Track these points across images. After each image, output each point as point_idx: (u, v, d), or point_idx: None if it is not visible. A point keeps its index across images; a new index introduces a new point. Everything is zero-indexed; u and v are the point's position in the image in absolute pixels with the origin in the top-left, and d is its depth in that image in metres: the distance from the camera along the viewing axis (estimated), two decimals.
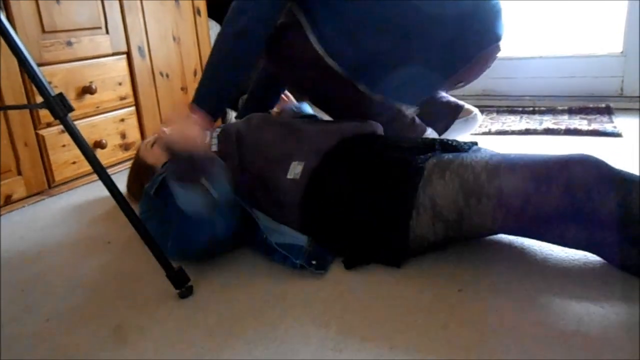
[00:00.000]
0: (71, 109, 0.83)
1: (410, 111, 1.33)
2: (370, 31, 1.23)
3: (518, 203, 0.84)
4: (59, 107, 0.81)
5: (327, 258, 1.00)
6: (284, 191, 1.06)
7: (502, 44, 1.35)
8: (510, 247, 1.00)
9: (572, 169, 0.82)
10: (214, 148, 1.20)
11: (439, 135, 1.55)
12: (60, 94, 0.82)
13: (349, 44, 1.23)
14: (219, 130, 1.25)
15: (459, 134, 1.57)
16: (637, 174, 0.83)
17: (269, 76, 1.60)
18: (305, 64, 1.28)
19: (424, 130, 1.46)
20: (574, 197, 0.81)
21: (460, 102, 1.59)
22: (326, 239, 1.04)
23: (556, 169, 0.83)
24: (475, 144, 1.13)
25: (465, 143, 1.11)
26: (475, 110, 1.58)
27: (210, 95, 1.22)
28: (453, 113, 1.57)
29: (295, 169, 1.06)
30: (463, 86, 1.45)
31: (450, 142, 1.10)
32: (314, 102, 1.45)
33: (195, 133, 1.14)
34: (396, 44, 1.23)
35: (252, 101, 1.63)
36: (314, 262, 0.98)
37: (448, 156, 0.93)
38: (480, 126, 1.93)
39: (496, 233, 0.94)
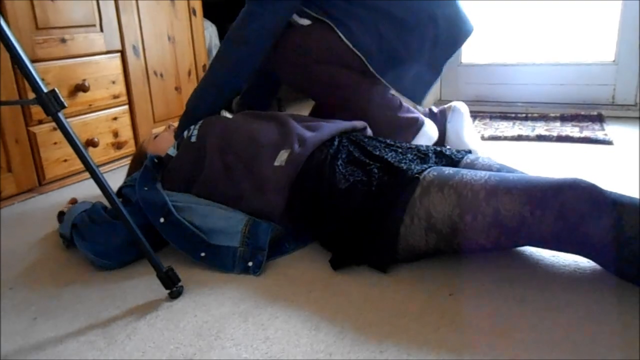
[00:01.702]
0: (63, 106, 0.82)
1: (421, 110, 1.46)
2: (388, 26, 1.32)
3: (513, 225, 0.85)
4: (52, 104, 0.81)
5: (263, 250, 1.00)
6: (269, 178, 1.07)
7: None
8: (501, 251, 1.00)
9: (565, 194, 0.83)
10: (193, 139, 1.21)
11: (441, 141, 1.57)
12: (53, 91, 0.81)
13: (372, 40, 1.32)
14: (200, 122, 1.26)
15: (458, 127, 1.58)
16: (628, 181, 0.84)
17: (263, 78, 1.61)
18: (328, 59, 1.35)
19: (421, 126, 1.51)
20: (568, 221, 0.82)
21: (437, 108, 1.63)
22: (312, 230, 1.05)
23: (550, 194, 0.84)
24: (469, 152, 1.14)
25: (458, 152, 1.12)
26: (452, 104, 1.61)
27: (204, 98, 1.35)
28: (441, 118, 1.58)
29: (282, 157, 1.07)
30: None
31: (444, 150, 1.12)
32: (317, 99, 1.51)
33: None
34: (407, 38, 1.34)
35: (247, 99, 1.65)
36: (250, 264, 0.99)
37: (449, 170, 0.94)
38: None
39: (488, 250, 0.95)
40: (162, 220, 1.04)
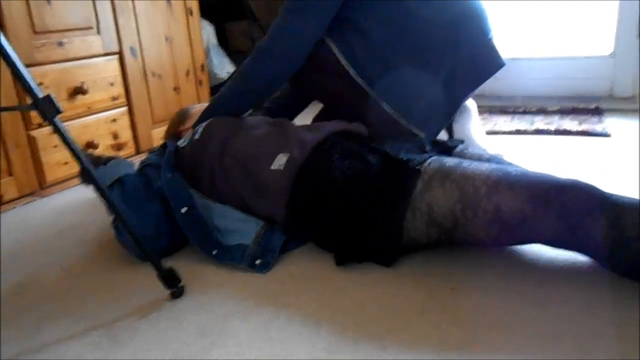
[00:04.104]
0: (59, 111, 0.82)
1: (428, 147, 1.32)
2: (398, 55, 1.23)
3: (514, 222, 0.86)
4: (48, 109, 0.81)
5: (273, 252, 1.02)
6: (266, 182, 1.07)
7: None
8: (501, 247, 1.00)
9: (566, 194, 0.83)
10: (197, 136, 1.22)
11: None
12: (49, 96, 0.81)
13: (379, 68, 1.23)
14: (208, 121, 1.27)
15: (466, 127, 1.54)
16: (627, 174, 0.83)
17: (293, 90, 1.60)
18: (335, 78, 1.27)
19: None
20: (569, 222, 0.82)
21: None
22: (314, 231, 1.05)
23: (552, 193, 0.84)
24: (462, 142, 1.15)
25: (452, 141, 1.13)
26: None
27: (232, 100, 1.31)
28: None
29: (280, 160, 1.07)
30: None
31: (438, 141, 1.12)
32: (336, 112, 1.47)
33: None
34: (421, 67, 1.23)
35: (273, 109, 1.61)
36: (257, 262, 1.00)
37: (449, 163, 0.94)
38: None
39: (488, 246, 0.95)
40: (183, 210, 1.05)
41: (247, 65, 1.28)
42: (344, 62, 1.23)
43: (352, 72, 1.23)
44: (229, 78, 1.35)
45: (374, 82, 1.23)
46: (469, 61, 1.28)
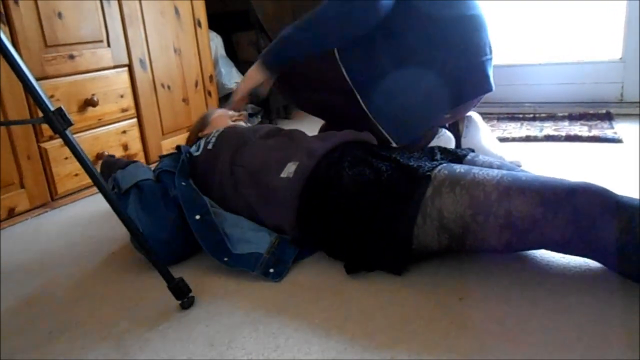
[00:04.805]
0: (70, 124, 0.83)
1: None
2: (384, 64, 1.25)
3: (525, 227, 0.85)
4: (58, 122, 0.82)
5: (286, 263, 1.03)
6: (276, 189, 1.07)
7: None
8: (511, 254, 1.00)
9: (577, 198, 0.83)
10: (210, 146, 1.23)
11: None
12: (59, 109, 0.82)
13: (366, 73, 1.26)
14: (220, 130, 1.28)
15: (476, 139, 1.54)
16: (638, 179, 0.82)
17: None
18: (333, 88, 1.30)
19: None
20: (580, 225, 0.82)
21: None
22: (324, 240, 1.05)
23: (563, 197, 0.83)
24: (472, 150, 1.15)
25: (462, 150, 1.13)
26: (465, 115, 1.56)
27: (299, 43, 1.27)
28: (454, 129, 1.55)
29: (290, 169, 1.08)
30: (450, 120, 1.46)
31: (448, 149, 1.12)
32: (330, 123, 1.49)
33: (250, 84, 1.30)
34: (403, 78, 1.25)
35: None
36: (271, 271, 1.00)
37: (460, 169, 0.94)
38: None
39: (499, 252, 0.94)
40: (197, 217, 1.07)
41: (320, 7, 1.23)
42: (343, 70, 1.25)
43: (347, 77, 1.26)
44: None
45: (363, 87, 1.26)
46: (451, 80, 1.27)
